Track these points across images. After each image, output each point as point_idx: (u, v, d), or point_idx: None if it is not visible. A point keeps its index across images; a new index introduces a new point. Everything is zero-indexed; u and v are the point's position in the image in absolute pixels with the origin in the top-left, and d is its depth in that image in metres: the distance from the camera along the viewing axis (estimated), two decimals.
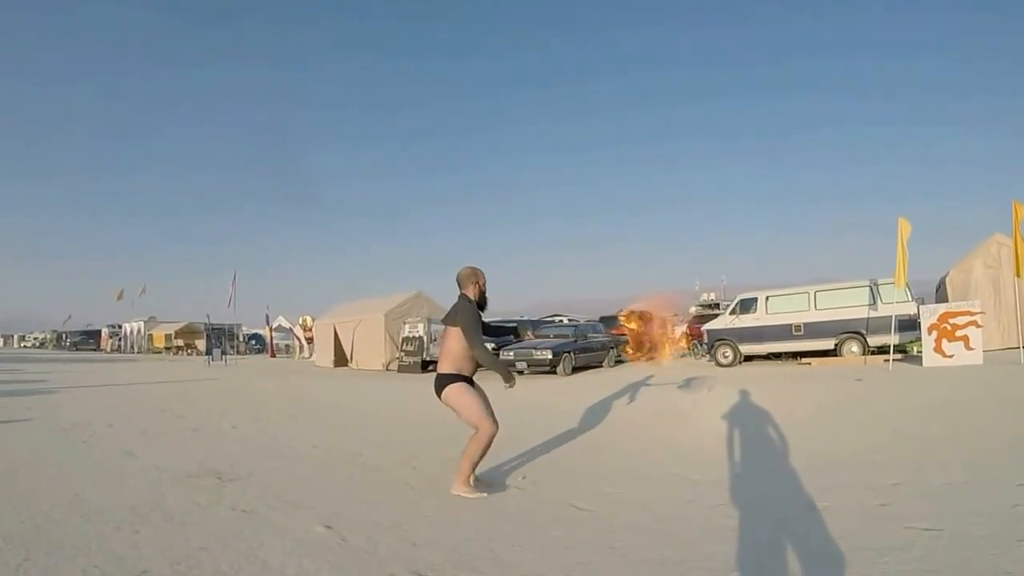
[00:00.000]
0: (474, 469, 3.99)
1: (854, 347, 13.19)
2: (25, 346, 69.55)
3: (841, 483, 3.89)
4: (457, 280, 4.15)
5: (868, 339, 12.97)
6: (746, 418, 6.65)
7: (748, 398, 8.05)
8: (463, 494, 3.87)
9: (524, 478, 4.38)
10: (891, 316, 11.91)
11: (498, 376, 4.03)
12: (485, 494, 3.91)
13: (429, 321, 17.36)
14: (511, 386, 4.07)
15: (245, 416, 8.38)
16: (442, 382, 3.97)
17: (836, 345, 13.42)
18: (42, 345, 64.22)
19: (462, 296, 4.10)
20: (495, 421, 3.94)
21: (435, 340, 17.71)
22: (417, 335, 17.63)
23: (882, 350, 12.27)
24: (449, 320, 4.03)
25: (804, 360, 13.90)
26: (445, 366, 4.00)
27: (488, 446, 3.91)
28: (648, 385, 10.38)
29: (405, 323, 18.34)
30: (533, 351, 14.05)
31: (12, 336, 78.80)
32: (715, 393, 9.14)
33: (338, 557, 2.85)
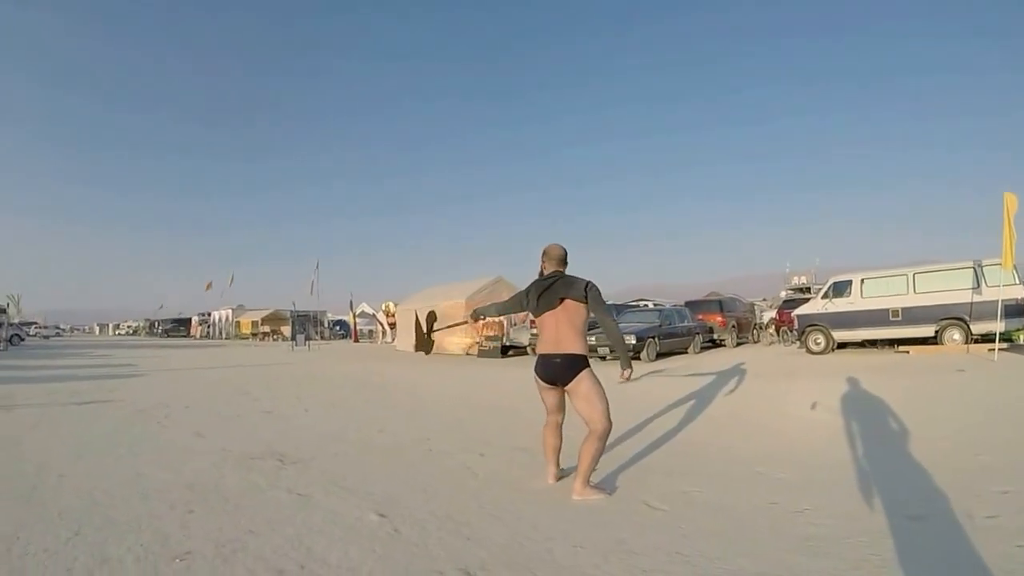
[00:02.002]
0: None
1: (956, 335, 12.71)
2: (119, 334, 76.53)
3: (942, 489, 3.55)
4: (554, 256, 3.86)
5: (971, 326, 12.44)
6: (839, 412, 6.18)
7: (842, 390, 7.56)
8: (590, 497, 3.58)
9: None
10: (997, 301, 11.41)
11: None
12: (608, 493, 3.68)
13: None
14: (628, 376, 3.81)
15: (318, 400, 8.67)
16: (577, 364, 3.61)
17: (936, 332, 12.96)
18: (135, 333, 70.43)
19: (561, 272, 3.83)
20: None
21: (515, 325, 17.74)
22: (498, 320, 17.68)
23: (987, 338, 11.85)
24: (569, 293, 3.68)
25: (901, 348, 13.45)
26: (577, 344, 3.65)
27: None
28: (735, 374, 9.88)
29: None
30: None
31: (107, 324, 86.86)
32: (806, 384, 8.60)
33: (386, 548, 2.78)
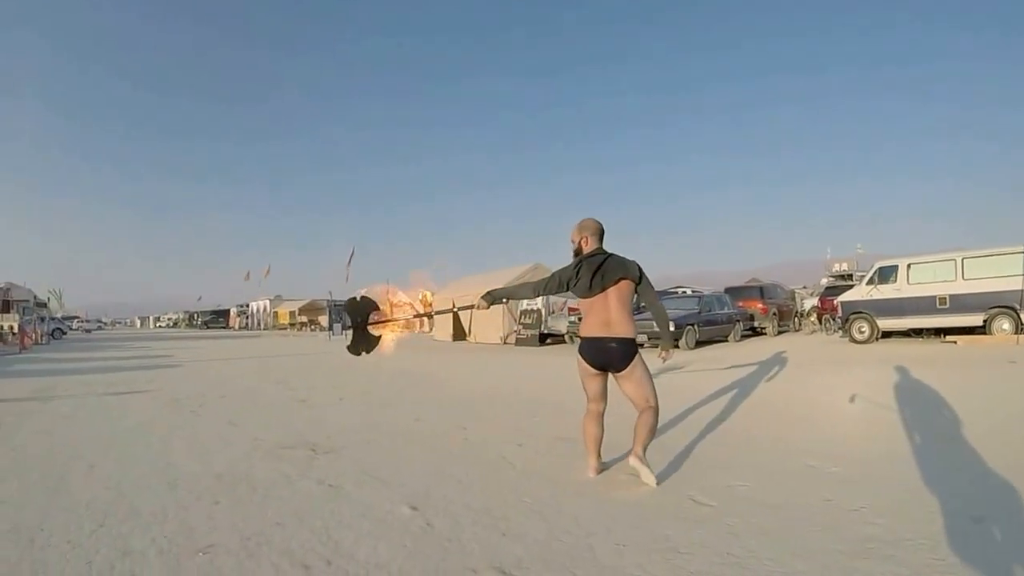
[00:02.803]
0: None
1: (1005, 324, 12.21)
2: (159, 326, 79.10)
3: (1004, 488, 3.30)
4: (597, 231, 3.68)
5: (1022, 315, 11.99)
6: (888, 404, 5.85)
7: (891, 380, 7.18)
8: (642, 467, 3.46)
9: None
10: None
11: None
12: (654, 479, 3.52)
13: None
14: (669, 356, 3.82)
15: (353, 389, 8.67)
16: (633, 349, 3.53)
17: (984, 321, 12.48)
18: (175, 325, 72.64)
19: (606, 251, 3.66)
20: None
21: (552, 312, 17.61)
22: (535, 308, 17.79)
23: None
24: (626, 273, 3.54)
25: (948, 338, 12.93)
26: (631, 327, 3.53)
27: None
28: (777, 363, 9.55)
29: None
30: (654, 323, 13.46)
31: (148, 317, 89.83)
32: (852, 374, 8.23)
33: (417, 543, 2.66)
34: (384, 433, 5.26)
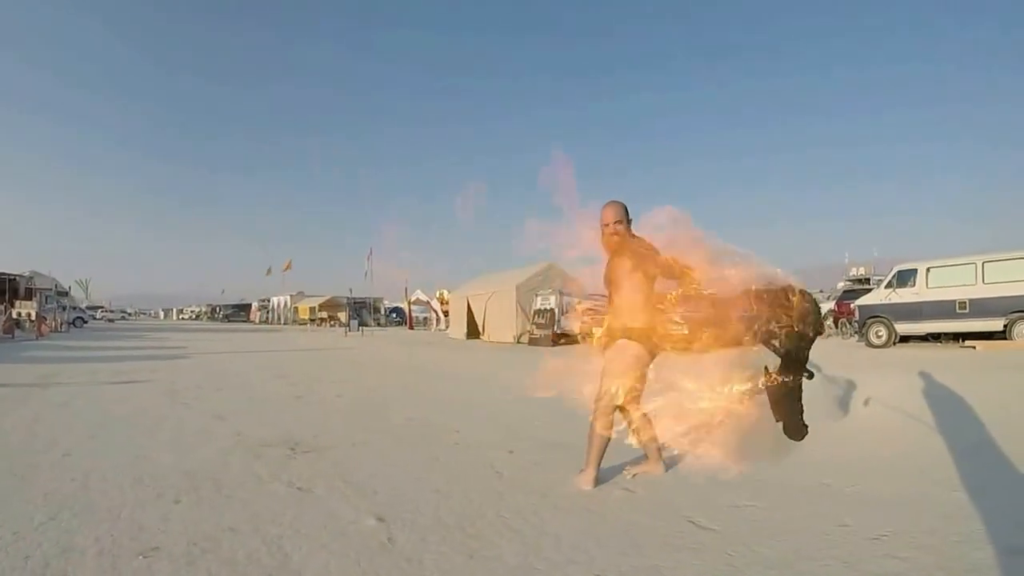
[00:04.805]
0: None
1: None
2: (182, 318, 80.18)
3: None
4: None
5: None
6: (916, 412, 5.35)
7: (911, 387, 6.58)
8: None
9: (634, 477, 3.61)
10: None
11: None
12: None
13: (561, 293, 17.20)
14: None
15: (355, 385, 8.49)
16: None
17: (1005, 326, 12.29)
18: (197, 317, 73.57)
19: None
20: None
21: (567, 313, 17.41)
22: (549, 307, 17.60)
23: None
24: None
25: (967, 343, 12.71)
26: None
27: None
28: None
29: (537, 295, 18.51)
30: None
31: (171, 309, 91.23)
32: (870, 379, 7.81)
33: (372, 561, 2.38)
34: (373, 433, 5.02)
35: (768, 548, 2.55)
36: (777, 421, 3.38)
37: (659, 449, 3.66)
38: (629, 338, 3.40)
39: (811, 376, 3.46)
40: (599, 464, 3.46)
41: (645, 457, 3.70)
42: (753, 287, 3.36)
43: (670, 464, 3.77)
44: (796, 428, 3.41)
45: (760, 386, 3.39)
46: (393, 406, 6.50)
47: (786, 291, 3.35)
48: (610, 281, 3.55)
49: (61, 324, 28.29)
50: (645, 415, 3.54)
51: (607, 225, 3.48)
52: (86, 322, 37.81)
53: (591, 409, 3.46)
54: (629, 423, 3.56)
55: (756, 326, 3.33)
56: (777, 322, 3.30)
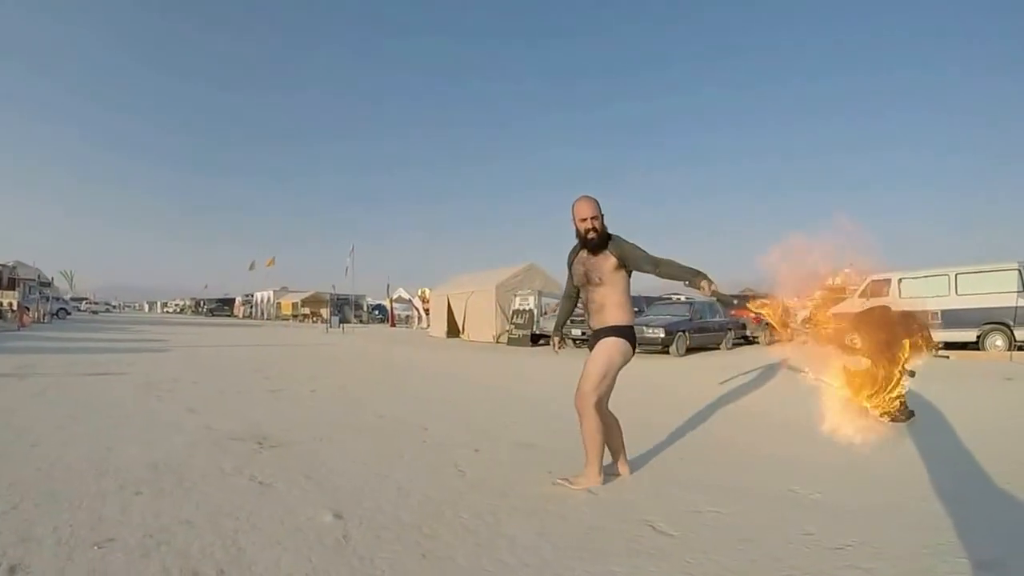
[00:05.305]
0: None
1: (998, 340, 12.31)
2: (166, 311, 79.36)
3: (1016, 526, 2.94)
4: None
5: (1015, 332, 12.01)
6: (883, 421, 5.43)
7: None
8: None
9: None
10: None
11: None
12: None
13: (540, 294, 17.32)
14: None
15: (330, 382, 8.46)
16: None
17: (978, 337, 12.58)
18: (181, 311, 72.91)
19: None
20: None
21: (545, 314, 17.49)
22: (528, 307, 17.68)
23: None
24: None
25: (940, 352, 12.71)
26: None
27: None
28: (767, 371, 9.24)
29: (516, 295, 18.60)
30: (644, 328, 13.57)
31: (156, 302, 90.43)
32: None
33: (324, 558, 2.39)
34: (342, 428, 5.03)
35: (727, 556, 2.51)
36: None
37: (622, 450, 3.68)
38: (618, 335, 3.39)
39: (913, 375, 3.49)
40: (601, 460, 3.45)
41: (610, 459, 3.70)
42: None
43: (635, 466, 3.77)
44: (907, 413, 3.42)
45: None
46: (365, 403, 6.50)
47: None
48: (588, 277, 3.48)
49: (44, 315, 27.91)
50: (612, 414, 3.56)
51: (584, 220, 3.42)
52: (69, 313, 37.29)
53: (579, 407, 3.38)
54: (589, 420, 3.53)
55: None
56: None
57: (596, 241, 3.42)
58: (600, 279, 3.43)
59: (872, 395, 3.32)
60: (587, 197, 3.48)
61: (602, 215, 3.45)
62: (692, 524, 2.89)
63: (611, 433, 3.58)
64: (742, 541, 2.67)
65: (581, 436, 3.44)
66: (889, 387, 3.32)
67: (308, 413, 5.77)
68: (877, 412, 3.32)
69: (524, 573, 2.34)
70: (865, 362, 3.43)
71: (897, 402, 3.33)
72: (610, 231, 3.48)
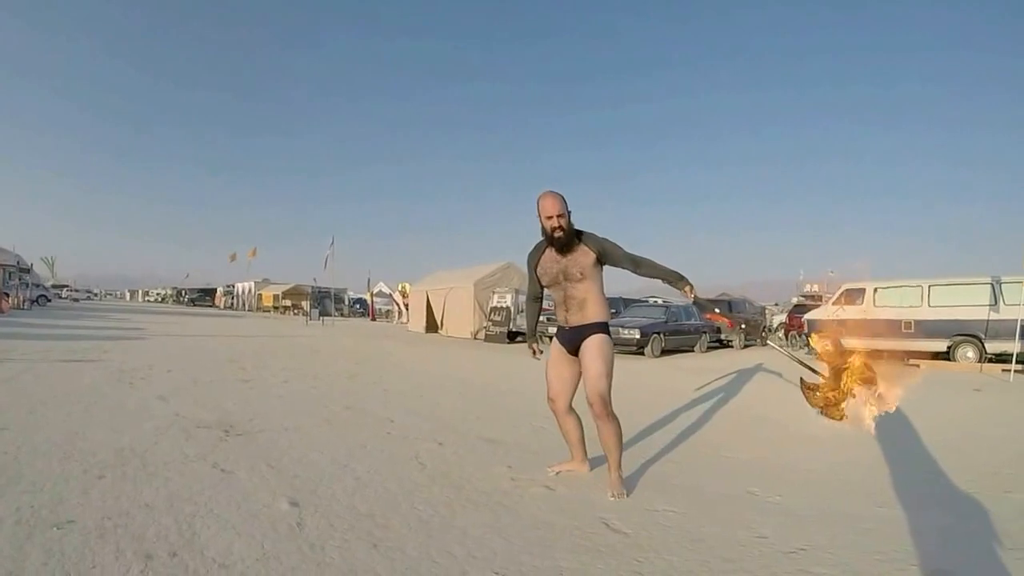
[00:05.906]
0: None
1: (969, 352, 12.43)
2: (148, 300, 78.31)
3: (970, 536, 2.87)
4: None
5: (986, 344, 12.12)
6: (852, 428, 5.49)
7: (851, 401, 6.84)
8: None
9: (557, 474, 3.66)
10: (1016, 320, 10.81)
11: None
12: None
13: (517, 292, 17.41)
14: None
15: (303, 372, 8.47)
16: None
17: (949, 348, 12.69)
18: (163, 300, 71.93)
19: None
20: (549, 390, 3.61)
21: (521, 311, 17.60)
22: (505, 305, 17.76)
23: (1001, 358, 11.56)
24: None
25: (912, 362, 12.90)
26: None
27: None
28: (737, 375, 9.40)
29: (494, 293, 18.65)
30: (620, 329, 13.68)
31: (137, 291, 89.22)
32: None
33: (276, 544, 2.45)
34: (309, 418, 5.08)
35: (677, 556, 2.51)
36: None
37: (582, 446, 3.68)
38: (605, 332, 3.37)
39: None
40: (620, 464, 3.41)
41: (571, 455, 3.73)
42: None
43: (596, 464, 3.75)
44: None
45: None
46: (335, 394, 6.54)
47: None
48: (567, 274, 3.36)
49: (23, 301, 27.44)
50: (575, 411, 3.57)
51: (551, 218, 3.27)
52: (49, 300, 36.66)
53: (596, 413, 3.24)
54: (561, 418, 3.60)
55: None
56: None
57: (563, 240, 3.31)
58: (582, 274, 3.32)
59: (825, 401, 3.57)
60: (552, 193, 3.32)
61: (569, 212, 3.31)
62: (646, 523, 2.90)
63: (573, 429, 3.61)
64: (694, 542, 2.68)
65: (601, 442, 3.36)
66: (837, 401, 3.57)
67: (278, 403, 5.80)
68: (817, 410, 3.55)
69: (471, 565, 2.36)
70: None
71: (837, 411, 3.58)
72: (577, 228, 3.39)
